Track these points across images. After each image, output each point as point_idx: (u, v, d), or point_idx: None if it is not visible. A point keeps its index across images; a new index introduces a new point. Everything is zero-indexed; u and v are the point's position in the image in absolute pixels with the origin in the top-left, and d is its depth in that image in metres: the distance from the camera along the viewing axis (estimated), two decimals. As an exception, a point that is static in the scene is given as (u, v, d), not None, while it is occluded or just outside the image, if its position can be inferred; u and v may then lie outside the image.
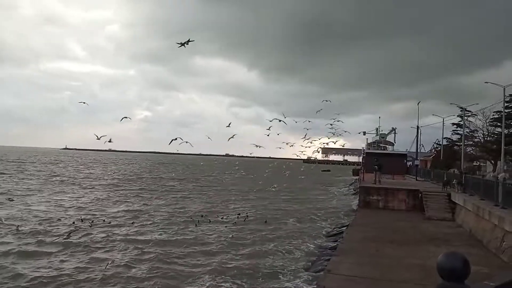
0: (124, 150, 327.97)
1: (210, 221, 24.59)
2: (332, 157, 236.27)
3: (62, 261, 15.51)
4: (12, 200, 29.33)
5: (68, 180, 51.98)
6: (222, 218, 25.95)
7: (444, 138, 59.00)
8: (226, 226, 23.53)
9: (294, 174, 59.63)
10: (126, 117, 23.95)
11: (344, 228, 21.96)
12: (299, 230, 24.18)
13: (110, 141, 22.24)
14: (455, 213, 21.51)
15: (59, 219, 23.38)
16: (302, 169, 72.05)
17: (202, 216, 26.11)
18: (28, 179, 49.74)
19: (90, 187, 44.29)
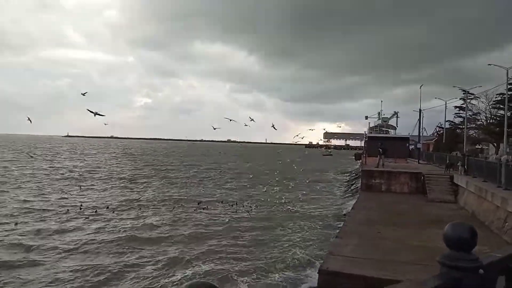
0: (126, 137, 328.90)
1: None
2: (334, 142, 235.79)
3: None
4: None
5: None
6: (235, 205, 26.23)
7: (447, 121, 58.74)
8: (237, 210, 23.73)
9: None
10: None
11: (347, 210, 22.01)
12: (303, 214, 24.32)
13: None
14: (457, 195, 21.48)
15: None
16: (306, 153, 70.29)
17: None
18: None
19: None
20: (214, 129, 24.89)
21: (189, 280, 12.17)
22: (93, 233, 18.01)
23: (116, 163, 62.48)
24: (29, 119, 24.63)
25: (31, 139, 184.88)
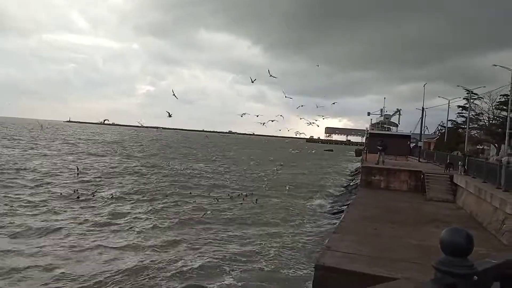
0: (125, 124, 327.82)
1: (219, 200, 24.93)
2: (336, 137, 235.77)
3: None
4: None
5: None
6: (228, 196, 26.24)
7: (449, 120, 58.65)
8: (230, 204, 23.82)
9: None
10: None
11: (345, 207, 22.06)
12: (299, 208, 24.35)
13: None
14: (456, 195, 21.50)
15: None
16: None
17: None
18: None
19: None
20: (170, 116, 24.95)
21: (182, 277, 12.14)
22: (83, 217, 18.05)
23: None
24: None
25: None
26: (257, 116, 28.73)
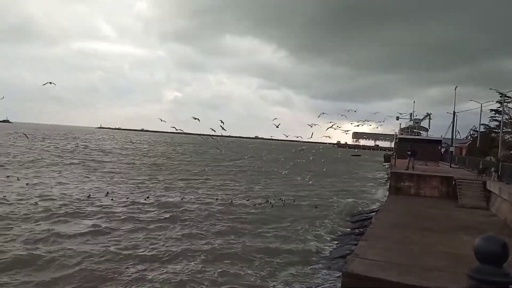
0: (156, 130, 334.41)
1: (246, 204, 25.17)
2: (363, 142, 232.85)
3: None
4: None
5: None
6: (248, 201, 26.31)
7: (482, 124, 57.00)
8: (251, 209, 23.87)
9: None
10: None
11: (373, 213, 21.71)
12: (326, 214, 24.15)
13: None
14: (490, 201, 20.84)
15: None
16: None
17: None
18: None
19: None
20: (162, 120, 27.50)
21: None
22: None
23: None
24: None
25: (71, 130, 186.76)
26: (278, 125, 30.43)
